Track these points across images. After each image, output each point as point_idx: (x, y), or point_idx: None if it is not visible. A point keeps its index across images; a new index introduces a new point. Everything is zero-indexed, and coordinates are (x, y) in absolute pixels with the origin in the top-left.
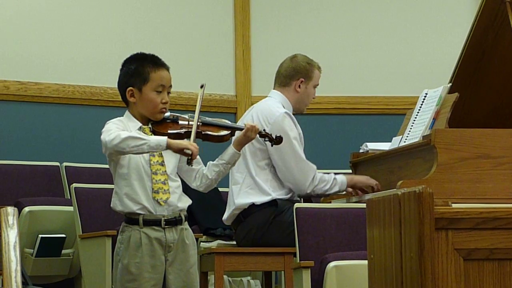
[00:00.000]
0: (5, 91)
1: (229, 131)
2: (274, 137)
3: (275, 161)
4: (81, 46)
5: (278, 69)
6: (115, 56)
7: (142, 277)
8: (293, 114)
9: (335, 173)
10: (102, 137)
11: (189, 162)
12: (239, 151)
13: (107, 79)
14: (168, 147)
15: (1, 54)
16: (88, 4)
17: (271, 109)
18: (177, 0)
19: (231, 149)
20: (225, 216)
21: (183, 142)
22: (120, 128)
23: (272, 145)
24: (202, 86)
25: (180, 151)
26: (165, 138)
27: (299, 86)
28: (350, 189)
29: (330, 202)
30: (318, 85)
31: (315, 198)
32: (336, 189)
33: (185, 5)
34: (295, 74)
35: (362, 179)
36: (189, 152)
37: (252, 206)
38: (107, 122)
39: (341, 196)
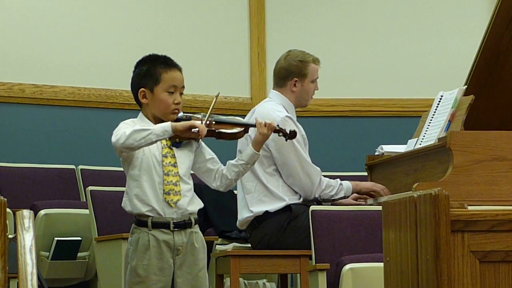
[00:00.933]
0: (21, 94)
1: (243, 128)
2: (288, 132)
3: (280, 166)
4: (96, 49)
5: (274, 68)
6: (131, 59)
7: (149, 280)
8: (296, 109)
9: (345, 177)
10: (112, 138)
11: (197, 139)
12: (258, 151)
13: (123, 82)
14: (174, 131)
15: (16, 57)
16: (103, 7)
17: (271, 113)
18: (192, 4)
19: (250, 150)
20: (238, 221)
21: (188, 121)
22: (130, 126)
23: (286, 140)
24: (217, 96)
25: (187, 131)
26: (169, 123)
27: (295, 85)
28: (356, 195)
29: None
30: (317, 78)
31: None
32: (341, 194)
33: (200, 8)
34: (288, 74)
35: (368, 185)
36: (196, 130)
37: (266, 212)
38: (120, 123)
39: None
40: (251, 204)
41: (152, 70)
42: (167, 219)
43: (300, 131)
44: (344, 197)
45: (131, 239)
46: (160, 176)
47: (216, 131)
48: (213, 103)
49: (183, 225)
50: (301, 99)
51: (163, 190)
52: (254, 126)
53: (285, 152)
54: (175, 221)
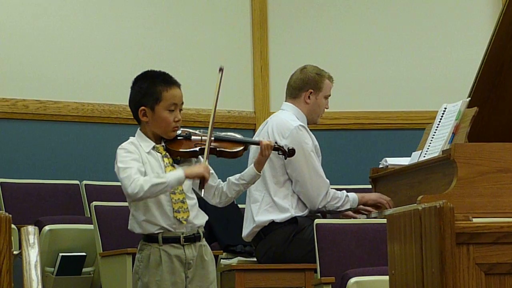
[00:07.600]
0: (25, 110)
1: (243, 146)
2: (286, 150)
3: (290, 174)
4: (99, 65)
5: (289, 80)
6: (134, 74)
7: None
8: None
9: (349, 190)
10: (123, 184)
11: (201, 187)
12: (260, 171)
13: (126, 97)
14: (187, 178)
15: (20, 73)
16: (106, 24)
17: (285, 123)
18: (195, 18)
19: (252, 170)
20: (244, 233)
21: (197, 169)
22: (137, 161)
23: (285, 158)
24: (220, 70)
25: (196, 177)
26: (181, 173)
27: (309, 97)
28: (362, 207)
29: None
30: (329, 95)
31: (334, 214)
32: (347, 206)
33: (203, 22)
34: (304, 85)
35: (373, 196)
36: (206, 176)
37: (273, 223)
38: (119, 147)
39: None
40: (257, 214)
41: (152, 89)
42: (177, 233)
43: (314, 141)
44: (350, 209)
45: (141, 256)
46: (167, 195)
47: (217, 149)
48: (218, 84)
49: (192, 238)
50: (313, 113)
51: (173, 208)
52: (253, 143)
53: (298, 160)
54: (185, 235)
